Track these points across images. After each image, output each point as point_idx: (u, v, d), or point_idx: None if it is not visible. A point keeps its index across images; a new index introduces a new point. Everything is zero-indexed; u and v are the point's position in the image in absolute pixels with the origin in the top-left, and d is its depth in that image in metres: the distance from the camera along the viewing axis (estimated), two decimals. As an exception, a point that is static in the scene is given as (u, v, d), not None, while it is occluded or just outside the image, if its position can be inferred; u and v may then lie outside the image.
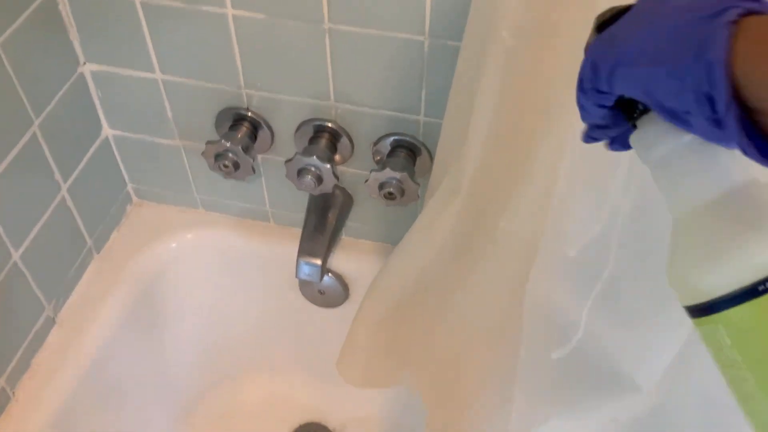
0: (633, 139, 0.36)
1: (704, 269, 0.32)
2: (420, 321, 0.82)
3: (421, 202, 0.89)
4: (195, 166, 0.97)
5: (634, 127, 0.36)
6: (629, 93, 0.33)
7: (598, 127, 0.37)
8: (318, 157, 0.82)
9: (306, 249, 0.90)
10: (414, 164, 0.84)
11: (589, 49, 0.35)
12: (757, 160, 0.30)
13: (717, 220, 0.33)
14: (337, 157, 0.87)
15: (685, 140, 0.33)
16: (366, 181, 0.82)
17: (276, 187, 0.97)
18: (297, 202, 0.98)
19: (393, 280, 0.82)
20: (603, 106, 0.35)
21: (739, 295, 0.31)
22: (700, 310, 0.33)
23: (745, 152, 0.30)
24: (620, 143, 0.38)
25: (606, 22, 0.35)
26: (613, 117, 0.36)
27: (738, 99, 0.28)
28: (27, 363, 0.88)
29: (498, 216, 0.66)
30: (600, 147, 0.39)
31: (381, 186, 0.82)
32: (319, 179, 0.83)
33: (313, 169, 0.83)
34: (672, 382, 0.60)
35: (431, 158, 0.85)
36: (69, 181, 0.89)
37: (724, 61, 0.28)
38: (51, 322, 0.91)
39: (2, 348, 0.83)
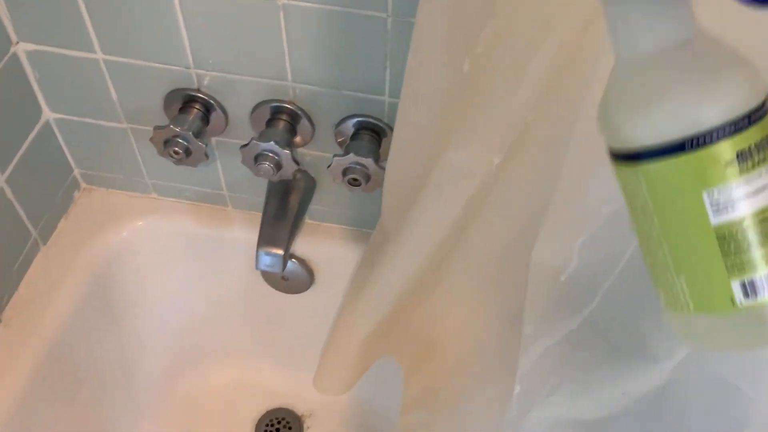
0: None
1: (635, 116, 0.32)
2: (405, 320, 0.79)
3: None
4: (144, 150, 0.91)
5: None
6: None
7: None
8: (276, 142, 0.77)
9: (266, 238, 0.85)
10: (379, 147, 0.80)
11: None
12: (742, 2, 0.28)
13: (658, 69, 0.32)
14: (297, 139, 0.82)
15: None
16: (329, 166, 0.77)
17: (233, 170, 0.92)
18: (256, 185, 0.93)
19: (377, 299, 0.78)
20: None
21: (665, 150, 0.31)
22: (623, 157, 0.33)
23: None
24: None
25: None
26: None
27: None
28: (-29, 367, 0.82)
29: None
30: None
31: (345, 171, 0.77)
32: (278, 165, 0.78)
33: (270, 154, 0.77)
34: (689, 360, 0.57)
35: (397, 140, 0.80)
36: (7, 171, 0.82)
37: None
38: (-5, 322, 0.86)
39: (-58, 353, 0.78)
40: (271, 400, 1.13)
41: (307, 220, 0.97)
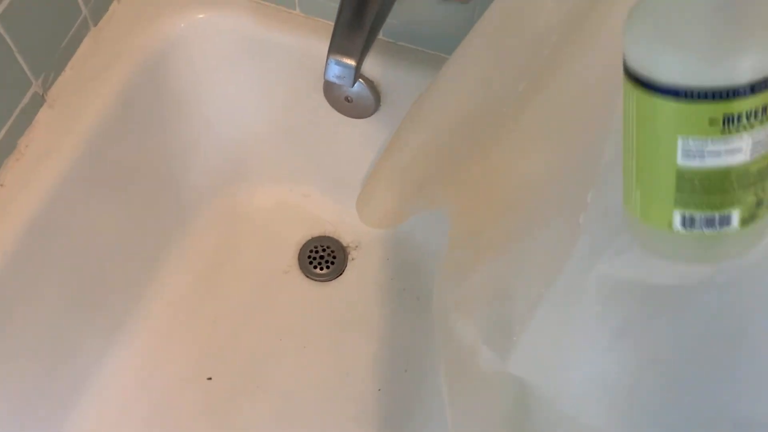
0: None
1: (654, 51, 0.33)
2: (467, 151, 0.71)
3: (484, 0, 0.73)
4: (211, -71, 0.80)
5: None
6: None
7: None
8: (366, -72, 0.65)
9: (338, 45, 0.75)
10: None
11: None
12: None
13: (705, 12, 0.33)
14: (386, -68, 0.70)
15: None
16: (422, -34, 0.66)
17: (307, -35, 0.81)
18: (330, -12, 0.82)
19: (440, 102, 0.69)
20: None
21: (666, 90, 0.33)
22: (628, 73, 0.35)
23: None
24: None
25: None
26: None
27: None
28: (13, 144, 0.78)
29: None
30: None
31: (440, -25, 0.66)
32: (364, -42, 0.67)
33: (357, -57, 0.66)
34: None
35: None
36: (57, -70, 0.73)
37: None
38: (40, 100, 0.80)
39: (-17, 124, 0.72)
40: (316, 227, 1.08)
41: (382, 37, 0.87)
